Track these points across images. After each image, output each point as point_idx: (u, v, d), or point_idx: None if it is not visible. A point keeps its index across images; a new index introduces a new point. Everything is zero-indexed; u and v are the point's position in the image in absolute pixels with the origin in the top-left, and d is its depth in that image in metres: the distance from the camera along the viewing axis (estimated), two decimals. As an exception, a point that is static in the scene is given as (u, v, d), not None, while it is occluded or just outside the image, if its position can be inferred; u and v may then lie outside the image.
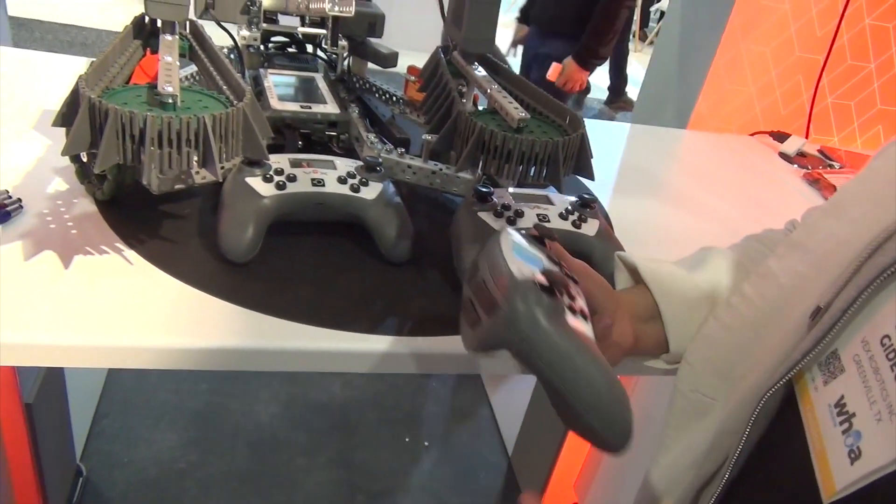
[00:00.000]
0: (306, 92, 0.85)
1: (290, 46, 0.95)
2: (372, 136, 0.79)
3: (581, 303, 0.46)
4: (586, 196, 0.72)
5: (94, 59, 0.55)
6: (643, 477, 0.56)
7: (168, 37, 0.60)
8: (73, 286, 0.56)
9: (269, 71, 0.86)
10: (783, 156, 1.24)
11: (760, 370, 0.45)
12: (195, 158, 0.50)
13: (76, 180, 0.67)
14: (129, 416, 1.61)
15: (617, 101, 4.40)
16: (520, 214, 0.68)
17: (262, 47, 0.86)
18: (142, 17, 0.62)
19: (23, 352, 0.50)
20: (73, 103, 0.51)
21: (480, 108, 0.72)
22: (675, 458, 0.52)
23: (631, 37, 4.65)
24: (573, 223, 0.70)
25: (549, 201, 0.72)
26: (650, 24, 6.16)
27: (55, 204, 0.65)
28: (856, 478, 0.36)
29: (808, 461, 0.40)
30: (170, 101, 0.51)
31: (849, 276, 0.40)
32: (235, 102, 0.54)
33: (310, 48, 0.95)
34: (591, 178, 0.65)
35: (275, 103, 0.79)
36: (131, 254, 0.61)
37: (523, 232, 0.49)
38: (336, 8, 0.77)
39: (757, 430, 0.44)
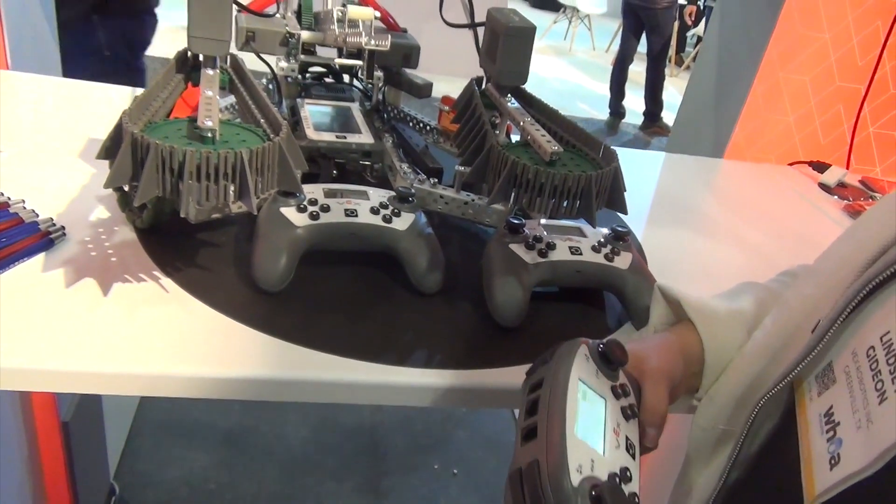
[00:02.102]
0: (342, 122, 0.86)
1: (328, 76, 0.97)
2: (405, 166, 0.80)
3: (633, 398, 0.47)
4: (619, 228, 0.71)
5: (138, 94, 0.57)
6: (668, 500, 0.56)
7: (210, 71, 0.62)
8: (111, 314, 0.57)
9: (306, 101, 0.87)
10: (823, 186, 1.22)
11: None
12: (232, 191, 0.51)
13: (118, 208, 0.69)
14: (162, 435, 1.63)
15: (652, 126, 4.37)
16: (552, 247, 0.68)
17: (299, 77, 0.88)
18: (184, 51, 0.64)
19: (59, 379, 0.52)
20: (116, 137, 0.53)
21: (514, 139, 0.72)
22: (701, 485, 0.53)
23: (667, 62, 4.62)
24: (605, 256, 0.69)
25: (581, 233, 0.72)
26: (686, 48, 6.13)
27: (97, 231, 0.67)
28: (833, 483, 0.37)
29: (799, 468, 0.41)
30: (209, 135, 0.52)
31: (844, 290, 0.42)
32: (272, 136, 0.55)
33: (346, 78, 0.97)
34: (625, 212, 0.65)
35: (311, 133, 0.80)
36: (167, 282, 0.62)
37: (601, 347, 0.47)
38: (373, 42, 0.78)
39: (756, 435, 0.46)
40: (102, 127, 0.88)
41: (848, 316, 0.40)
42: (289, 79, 0.87)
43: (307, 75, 0.95)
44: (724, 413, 0.51)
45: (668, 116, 4.40)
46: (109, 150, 0.53)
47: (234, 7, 0.67)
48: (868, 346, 0.39)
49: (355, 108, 0.90)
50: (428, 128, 0.96)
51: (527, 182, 0.60)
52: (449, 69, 2.53)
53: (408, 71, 0.94)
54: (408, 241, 0.67)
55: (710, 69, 1.43)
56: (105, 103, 0.98)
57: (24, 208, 0.66)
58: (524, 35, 0.69)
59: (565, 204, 0.61)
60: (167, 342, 0.55)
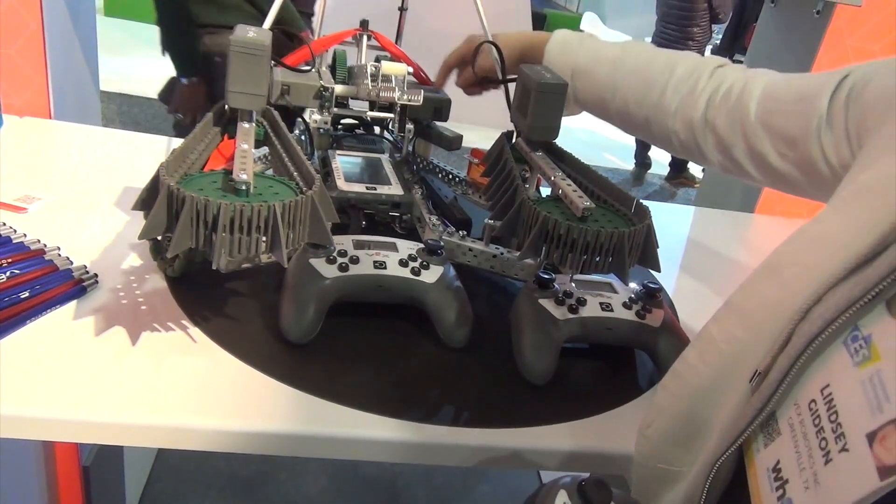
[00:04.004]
0: (372, 173, 0.87)
1: (359, 128, 0.98)
2: (434, 218, 0.80)
3: None
4: (651, 285, 0.70)
5: (176, 147, 0.58)
6: None
7: (246, 124, 0.63)
8: (137, 363, 0.57)
9: (338, 152, 0.89)
10: (858, 243, 1.19)
11: (715, 437, 0.45)
12: (263, 244, 0.51)
13: (150, 256, 0.69)
14: (181, 481, 1.61)
15: (678, 176, 4.35)
16: (582, 302, 0.67)
17: (331, 129, 0.90)
18: (222, 105, 0.65)
19: (81, 429, 0.51)
20: (152, 189, 0.53)
21: (544, 193, 0.72)
22: None
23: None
24: (637, 313, 0.68)
25: (612, 289, 0.71)
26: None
27: (128, 279, 0.67)
28: None
29: None
30: (243, 188, 0.52)
31: (783, 341, 0.40)
32: (305, 190, 0.55)
33: (377, 129, 0.98)
34: (657, 269, 0.63)
35: (341, 184, 0.81)
36: (195, 331, 0.62)
37: (582, 483, 0.43)
38: (405, 97, 0.79)
39: (713, 496, 0.44)
40: (139, 176, 0.90)
41: (789, 370, 0.39)
42: (321, 130, 0.88)
43: (339, 127, 0.96)
44: (660, 451, 0.49)
45: (694, 167, 4.38)
46: (146, 201, 0.54)
47: (271, 62, 0.69)
48: (810, 399, 0.38)
49: (385, 159, 0.91)
50: (457, 179, 0.96)
51: (558, 238, 0.60)
52: (479, 120, 2.56)
53: (438, 123, 0.95)
54: (436, 294, 0.66)
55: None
56: (143, 153, 1.01)
57: (59, 255, 0.67)
58: (556, 91, 0.70)
59: (597, 260, 0.60)
60: (191, 393, 0.55)
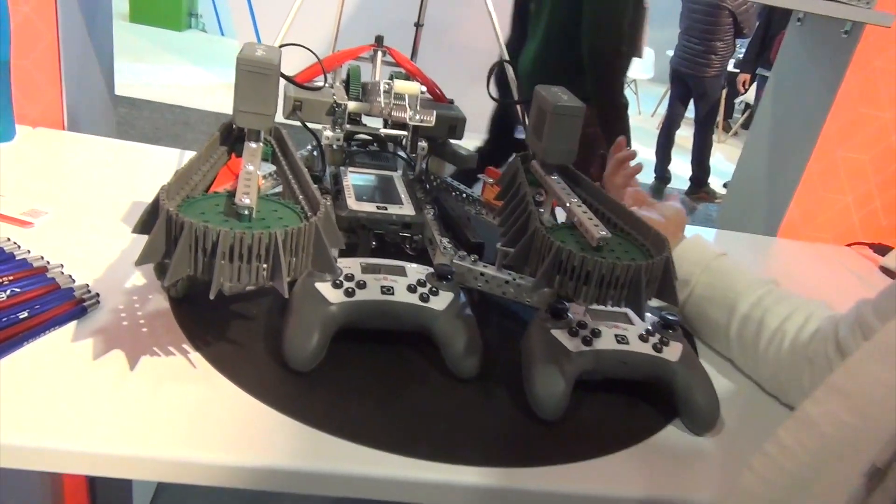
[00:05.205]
0: (384, 191, 0.85)
1: (372, 144, 0.96)
2: (445, 241, 0.78)
3: None
4: (669, 317, 0.68)
5: (180, 168, 0.57)
6: None
7: (253, 144, 0.61)
8: (135, 390, 0.55)
9: (350, 169, 0.87)
10: (885, 270, 1.15)
11: None
12: (264, 272, 0.49)
13: (153, 275, 0.68)
14: (189, 494, 1.59)
15: (698, 191, 4.30)
16: (596, 334, 0.65)
17: (344, 145, 0.88)
18: (229, 123, 0.64)
19: (77, 460, 0.50)
20: (153, 212, 0.52)
21: (559, 220, 0.69)
22: None
23: (715, 127, 4.58)
24: (654, 346, 0.65)
25: (628, 320, 0.68)
26: (734, 114, 6.08)
27: (131, 300, 0.66)
28: None
29: None
30: (246, 212, 0.51)
31: None
32: (310, 215, 0.53)
33: (391, 146, 0.96)
34: (675, 303, 0.61)
35: (352, 203, 0.79)
36: (196, 356, 0.60)
37: None
38: (417, 117, 0.77)
39: None
40: (149, 190, 0.88)
41: None
42: (333, 146, 0.87)
43: (352, 143, 0.95)
44: None
45: (714, 181, 4.33)
46: (146, 224, 0.52)
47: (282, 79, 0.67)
48: None
49: (398, 177, 0.89)
50: (471, 199, 0.94)
51: (572, 269, 0.57)
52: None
53: (452, 142, 0.93)
54: (444, 322, 0.64)
55: (763, 143, 1.39)
56: (155, 165, 1.00)
57: (62, 273, 0.66)
58: (572, 114, 0.67)
59: (612, 293, 0.58)
60: (190, 424, 0.53)
